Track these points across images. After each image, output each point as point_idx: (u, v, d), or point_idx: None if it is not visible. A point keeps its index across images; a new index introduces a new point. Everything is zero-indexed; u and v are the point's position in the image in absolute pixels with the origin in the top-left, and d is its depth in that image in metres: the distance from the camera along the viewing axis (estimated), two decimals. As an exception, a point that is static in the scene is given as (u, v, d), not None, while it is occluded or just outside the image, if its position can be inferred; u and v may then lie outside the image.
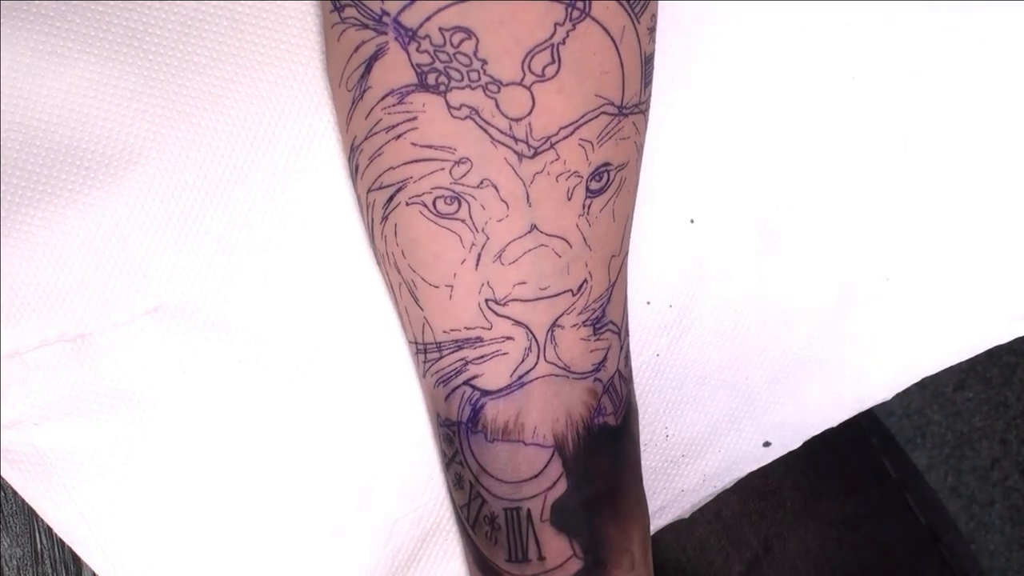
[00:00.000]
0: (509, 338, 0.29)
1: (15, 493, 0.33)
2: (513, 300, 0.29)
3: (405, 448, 0.34)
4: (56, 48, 0.30)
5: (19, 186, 0.30)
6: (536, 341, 0.30)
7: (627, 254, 0.32)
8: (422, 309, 0.30)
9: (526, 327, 0.29)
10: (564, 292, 0.29)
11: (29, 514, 0.35)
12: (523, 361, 0.30)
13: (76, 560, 0.35)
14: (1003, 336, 0.38)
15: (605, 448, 0.31)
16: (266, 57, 0.31)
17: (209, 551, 0.34)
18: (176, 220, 0.32)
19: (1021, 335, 0.38)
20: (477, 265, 0.29)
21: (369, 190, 0.29)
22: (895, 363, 0.38)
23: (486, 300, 0.29)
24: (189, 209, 0.32)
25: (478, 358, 0.30)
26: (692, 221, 0.35)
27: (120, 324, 0.32)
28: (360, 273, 0.33)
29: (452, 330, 0.30)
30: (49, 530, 0.35)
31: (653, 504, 0.38)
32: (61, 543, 0.35)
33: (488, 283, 0.29)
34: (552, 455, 0.30)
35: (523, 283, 0.29)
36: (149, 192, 0.31)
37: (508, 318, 0.29)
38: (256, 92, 0.31)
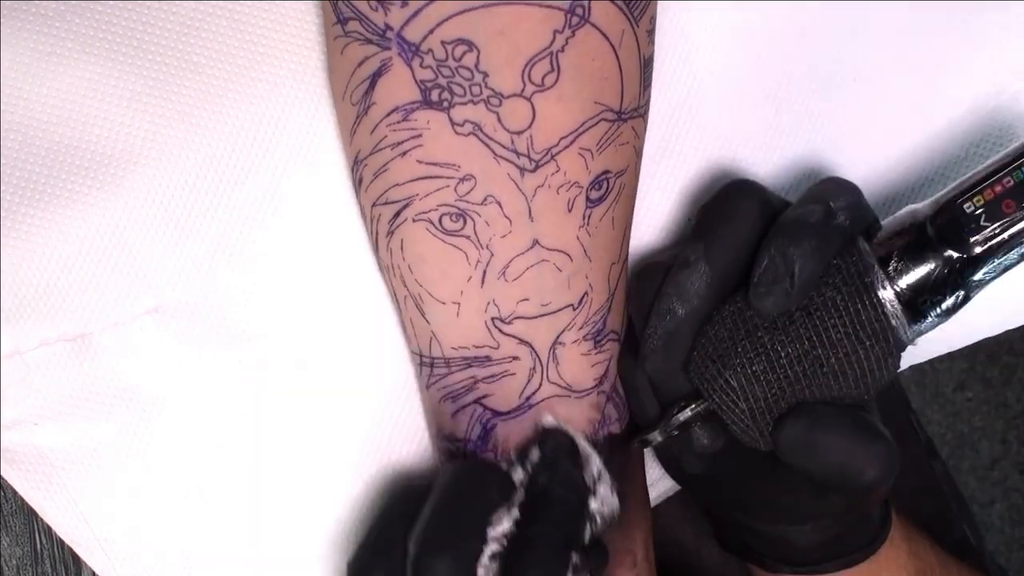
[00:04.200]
0: (515, 358, 0.30)
1: (15, 493, 0.33)
2: (517, 318, 0.29)
3: (405, 450, 0.34)
4: (56, 48, 0.30)
5: (19, 186, 0.30)
6: (539, 360, 0.30)
7: (627, 259, 0.32)
8: (429, 323, 0.30)
9: (530, 346, 0.30)
10: (565, 307, 0.29)
11: (29, 514, 0.35)
12: (529, 382, 0.30)
13: (76, 560, 0.35)
14: (994, 328, 0.38)
15: (609, 456, 0.31)
16: (266, 57, 0.31)
17: (208, 551, 0.34)
18: (176, 220, 0.32)
19: (1015, 326, 0.38)
20: (483, 283, 0.29)
21: (374, 204, 0.29)
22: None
23: (492, 319, 0.29)
24: (189, 209, 0.32)
25: (488, 377, 0.30)
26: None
27: (120, 324, 0.32)
28: (361, 273, 0.33)
29: (461, 347, 0.30)
30: (49, 530, 0.35)
31: (651, 475, 0.37)
32: (61, 543, 0.35)
33: (494, 301, 0.29)
34: None
35: (526, 299, 0.29)
36: (149, 192, 0.31)
37: (513, 337, 0.29)
38: (256, 92, 0.31)
